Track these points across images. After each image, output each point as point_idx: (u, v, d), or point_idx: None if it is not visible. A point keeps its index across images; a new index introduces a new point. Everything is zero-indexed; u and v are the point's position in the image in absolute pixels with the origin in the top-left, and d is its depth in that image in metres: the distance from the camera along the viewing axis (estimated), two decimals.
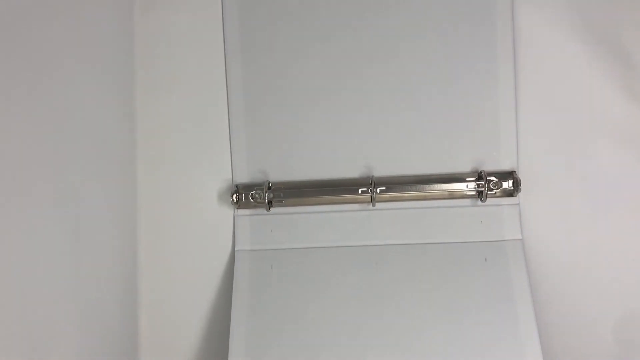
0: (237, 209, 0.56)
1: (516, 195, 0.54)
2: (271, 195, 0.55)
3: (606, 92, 0.57)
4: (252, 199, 0.55)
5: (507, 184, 0.53)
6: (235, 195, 0.55)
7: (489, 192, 0.53)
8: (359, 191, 0.53)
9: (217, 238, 0.56)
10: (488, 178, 0.53)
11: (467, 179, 0.54)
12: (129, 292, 0.57)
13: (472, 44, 0.54)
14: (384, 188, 0.53)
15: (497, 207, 0.54)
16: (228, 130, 0.56)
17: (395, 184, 0.54)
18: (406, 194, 0.54)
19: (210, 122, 0.56)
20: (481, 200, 0.54)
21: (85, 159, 0.49)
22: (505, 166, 0.54)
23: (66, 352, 0.45)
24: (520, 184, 0.53)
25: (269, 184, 0.55)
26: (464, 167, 0.55)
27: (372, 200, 0.53)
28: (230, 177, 0.56)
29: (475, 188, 0.54)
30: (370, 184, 0.53)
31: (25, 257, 0.41)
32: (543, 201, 0.54)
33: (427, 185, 0.54)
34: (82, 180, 0.48)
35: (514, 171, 0.54)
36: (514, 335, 0.49)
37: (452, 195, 0.55)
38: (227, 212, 0.56)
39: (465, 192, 0.55)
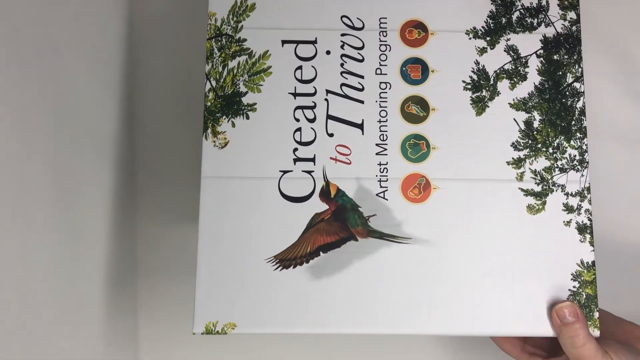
0: None
1: None
2: None
3: (606, 92, 0.57)
4: None
5: None
6: None
7: None
8: None
9: None
10: None
11: None
12: (128, 292, 0.56)
13: None
14: None
15: None
16: None
17: None
18: None
19: None
20: None
21: (85, 158, 0.49)
22: None
23: (65, 353, 0.45)
24: None
25: None
26: None
27: None
28: None
29: None
30: None
31: (24, 257, 0.40)
32: None
33: None
34: (82, 180, 0.48)
35: None
36: None
37: None
38: None
39: None
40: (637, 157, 0.57)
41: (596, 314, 0.44)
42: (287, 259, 0.44)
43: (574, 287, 0.44)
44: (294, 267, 0.44)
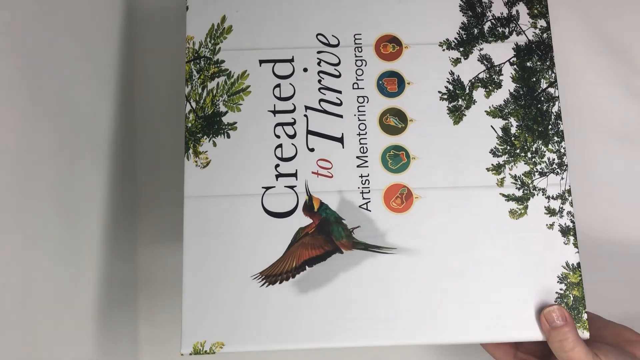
0: None
1: None
2: None
3: (606, 93, 0.58)
4: None
5: None
6: None
7: None
8: None
9: None
10: None
11: None
12: (128, 293, 0.56)
13: None
14: None
15: None
16: None
17: None
18: None
19: None
20: None
21: (84, 159, 0.49)
22: None
23: (65, 353, 0.45)
24: None
25: None
26: None
27: None
28: None
29: None
30: None
31: (23, 262, 0.40)
32: None
33: None
34: (82, 183, 0.48)
35: None
36: None
37: None
38: None
39: None
40: (636, 156, 0.58)
41: (584, 316, 0.44)
42: (273, 275, 0.44)
43: (561, 289, 0.44)
44: (280, 283, 0.44)
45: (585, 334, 0.43)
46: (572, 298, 0.44)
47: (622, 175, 0.58)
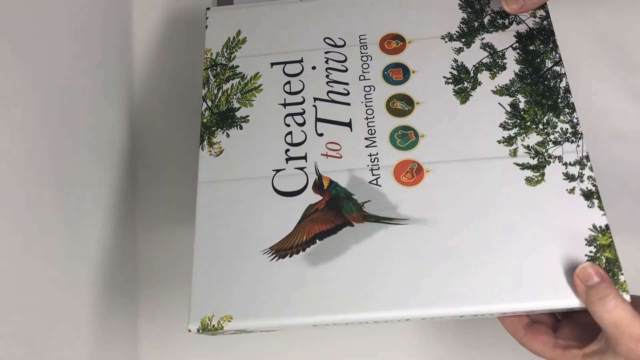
0: None
1: None
2: None
3: (606, 93, 0.57)
4: None
5: None
6: None
7: None
8: None
9: None
10: None
11: None
12: (128, 293, 0.56)
13: None
14: None
15: None
16: None
17: None
18: None
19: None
20: None
21: (85, 157, 0.50)
22: None
23: (65, 353, 0.44)
24: None
25: None
26: None
27: None
28: None
29: None
30: None
31: (23, 257, 0.41)
32: None
33: None
34: (82, 180, 0.49)
35: None
36: None
37: None
38: None
39: None
40: (636, 156, 0.55)
41: (622, 277, 0.40)
42: (283, 249, 0.43)
43: (591, 252, 0.41)
44: (290, 257, 0.43)
45: (626, 297, 0.39)
46: (604, 260, 0.40)
47: (621, 175, 0.55)
